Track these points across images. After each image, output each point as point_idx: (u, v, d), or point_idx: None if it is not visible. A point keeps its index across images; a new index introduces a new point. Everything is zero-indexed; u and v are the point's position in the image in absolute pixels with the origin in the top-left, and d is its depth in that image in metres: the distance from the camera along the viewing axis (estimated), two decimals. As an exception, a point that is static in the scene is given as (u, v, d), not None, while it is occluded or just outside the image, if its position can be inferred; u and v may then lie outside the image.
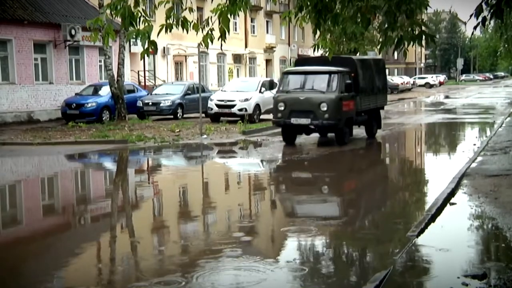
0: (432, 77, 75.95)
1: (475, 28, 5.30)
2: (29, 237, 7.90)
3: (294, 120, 15.26)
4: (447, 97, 46.68)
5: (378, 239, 7.29)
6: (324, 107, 14.93)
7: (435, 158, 15.52)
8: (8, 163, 14.94)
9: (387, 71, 21.92)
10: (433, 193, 9.55)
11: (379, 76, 18.24)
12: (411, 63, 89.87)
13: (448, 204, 8.72)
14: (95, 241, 7.73)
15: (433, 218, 7.79)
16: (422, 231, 7.16)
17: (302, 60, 17.78)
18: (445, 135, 20.96)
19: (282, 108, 15.38)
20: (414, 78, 68.90)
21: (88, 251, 7.24)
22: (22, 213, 9.63)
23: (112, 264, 6.64)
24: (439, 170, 12.40)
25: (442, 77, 78.94)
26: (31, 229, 8.48)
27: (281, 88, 16.05)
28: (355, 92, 15.93)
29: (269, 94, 23.19)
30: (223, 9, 4.93)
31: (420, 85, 67.29)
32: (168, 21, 4.78)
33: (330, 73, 15.56)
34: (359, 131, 18.04)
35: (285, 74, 16.81)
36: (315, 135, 16.98)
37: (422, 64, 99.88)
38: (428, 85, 69.34)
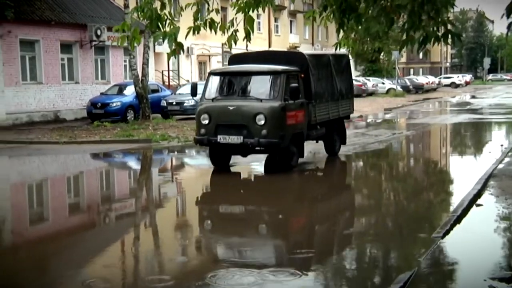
0: (458, 76, 74.93)
1: (508, 27, 5.20)
2: (55, 235, 8.03)
3: (221, 138, 11.22)
4: (473, 97, 46.04)
5: (403, 240, 7.23)
6: (261, 120, 10.94)
7: (461, 159, 15.32)
8: (35, 161, 15.18)
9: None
10: (459, 194, 9.44)
11: (341, 76, 13.86)
12: (437, 63, 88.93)
13: (474, 206, 8.62)
14: (119, 239, 7.82)
15: (458, 220, 7.71)
16: (447, 232, 7.09)
17: (237, 57, 13.18)
18: (471, 136, 20.67)
19: (206, 122, 11.38)
20: (440, 78, 68.07)
21: (112, 248, 7.33)
22: (49, 211, 9.79)
23: (136, 262, 6.71)
24: (465, 171, 12.24)
25: (468, 77, 77.83)
26: (57, 227, 8.61)
27: (205, 95, 11.83)
28: (306, 98, 11.96)
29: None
30: (242, 5, 4.94)
31: (445, 85, 66.45)
32: (195, 23, 4.82)
33: (270, 73, 11.56)
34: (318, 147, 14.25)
35: (210, 75, 12.42)
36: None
37: (447, 64, 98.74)
38: (454, 85, 68.45)
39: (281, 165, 11.51)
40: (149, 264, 6.52)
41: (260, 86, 11.56)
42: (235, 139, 11.14)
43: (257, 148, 11.34)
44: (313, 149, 14.34)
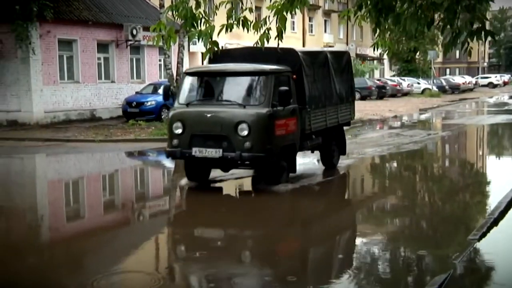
0: (495, 76, 73.34)
1: None
2: (90, 231, 8.17)
3: (197, 151, 9.46)
4: (511, 97, 45.03)
5: (438, 242, 7.13)
6: (244, 130, 9.18)
7: (498, 161, 15.01)
8: (72, 159, 15.48)
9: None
10: (496, 196, 9.25)
11: (341, 77, 11.97)
12: (474, 63, 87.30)
13: (512, 208, 8.44)
14: (153, 236, 7.91)
15: (495, 222, 7.56)
16: (484, 235, 6.96)
17: (221, 53, 11.05)
18: (508, 137, 20.23)
19: (179, 131, 9.61)
20: (477, 78, 66.79)
21: (146, 246, 7.42)
22: (85, 208, 9.97)
23: (169, 259, 6.78)
24: (502, 173, 12.00)
25: (506, 77, 76.10)
26: (92, 224, 8.76)
27: (179, 99, 10.08)
28: (298, 103, 10.15)
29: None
30: (279, 6, 4.95)
31: (482, 85, 65.12)
32: (229, 21, 4.85)
33: (255, 74, 9.83)
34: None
35: (186, 75, 10.62)
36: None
37: (485, 64, 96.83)
38: (492, 85, 67.04)
39: (267, 180, 9.87)
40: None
41: (243, 89, 9.84)
42: (213, 152, 9.37)
43: (239, 162, 9.64)
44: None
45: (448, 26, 5.28)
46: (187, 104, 9.87)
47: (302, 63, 10.41)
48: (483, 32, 5.13)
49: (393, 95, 41.87)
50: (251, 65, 9.96)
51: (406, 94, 43.96)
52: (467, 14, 5.18)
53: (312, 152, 12.00)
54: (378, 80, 43.29)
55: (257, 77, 9.81)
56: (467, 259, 6.18)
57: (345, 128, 12.53)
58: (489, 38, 5.22)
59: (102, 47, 25.35)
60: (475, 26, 5.10)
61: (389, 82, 42.95)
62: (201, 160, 9.73)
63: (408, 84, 45.55)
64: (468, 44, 5.29)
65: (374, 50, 6.85)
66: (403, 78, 47.79)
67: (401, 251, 6.98)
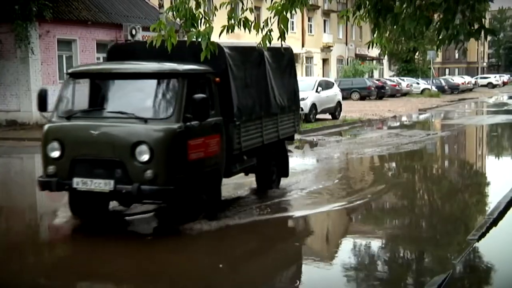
0: (495, 77, 73.43)
1: None
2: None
3: (79, 183, 6.96)
4: (511, 97, 45.07)
5: (437, 242, 7.14)
6: (144, 154, 6.76)
7: (498, 161, 15.03)
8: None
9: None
10: (495, 196, 9.26)
11: (282, 80, 9.64)
12: (473, 63, 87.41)
13: (511, 208, 8.45)
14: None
15: (495, 222, 7.57)
16: (483, 235, 6.97)
17: (121, 50, 9.13)
18: (508, 137, 20.26)
19: (57, 155, 7.14)
20: (476, 78, 66.84)
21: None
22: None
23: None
24: (501, 173, 12.02)
25: (506, 77, 76.21)
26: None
27: (58, 110, 7.57)
28: (224, 115, 7.82)
29: (326, 94, 23.16)
30: (279, 7, 4.96)
31: (482, 85, 65.20)
32: (230, 22, 4.86)
33: (160, 76, 7.32)
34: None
35: (68, 77, 7.97)
36: None
37: (484, 64, 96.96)
38: (491, 85, 67.11)
39: (182, 220, 7.36)
40: None
41: (145, 97, 7.33)
42: (102, 184, 6.84)
43: (137, 198, 7.07)
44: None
45: (447, 27, 5.29)
46: (68, 117, 7.25)
47: (228, 62, 7.96)
48: (482, 31, 5.14)
49: (392, 95, 41.91)
50: (156, 64, 7.42)
51: (405, 94, 44.03)
52: (465, 14, 5.19)
53: (246, 174, 9.48)
54: (377, 80, 43.33)
55: (163, 80, 7.23)
56: (467, 259, 6.19)
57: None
58: (489, 38, 5.22)
59: (102, 47, 25.32)
60: (473, 25, 5.11)
61: (388, 82, 43.00)
62: (88, 194, 7.13)
63: (407, 84, 45.62)
64: (463, 44, 5.30)
65: (368, 48, 6.84)
66: (402, 78, 47.87)
67: (401, 251, 7.00)
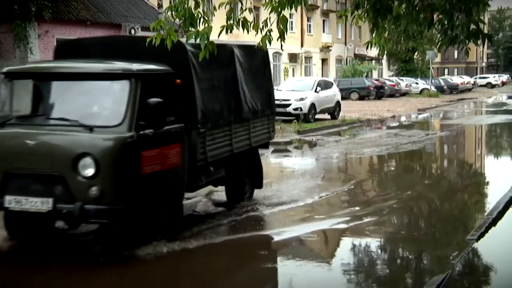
0: (494, 76, 73.49)
1: None
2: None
3: (12, 202, 6.04)
4: (510, 97, 45.10)
5: (436, 242, 7.14)
6: (88, 168, 5.87)
7: (497, 161, 15.04)
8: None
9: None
10: (494, 196, 9.27)
11: (254, 82, 8.70)
12: (472, 63, 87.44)
13: (510, 208, 8.46)
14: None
15: (494, 222, 7.58)
16: (482, 235, 6.97)
17: (70, 46, 8.03)
18: (507, 137, 20.27)
19: None
20: (475, 78, 66.90)
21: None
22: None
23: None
24: (501, 173, 12.02)
25: (505, 77, 76.29)
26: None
27: None
28: (187, 121, 6.90)
29: (325, 94, 23.16)
30: (275, 4, 4.95)
31: (481, 85, 65.25)
32: (228, 22, 4.85)
33: (110, 77, 6.39)
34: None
35: (4, 77, 6.81)
36: None
37: (483, 64, 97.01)
38: (490, 85, 67.16)
39: (138, 241, 6.46)
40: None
41: (91, 102, 6.43)
42: (38, 203, 5.90)
43: (79, 220, 6.38)
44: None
45: (449, 31, 5.30)
46: (1, 124, 6.27)
47: (191, 61, 7.00)
48: (480, 35, 5.15)
49: (392, 95, 41.93)
50: (105, 63, 6.58)
51: (404, 94, 44.06)
52: (464, 17, 5.20)
53: (215, 186, 8.62)
54: (376, 80, 43.36)
55: (113, 82, 6.31)
56: (466, 259, 6.20)
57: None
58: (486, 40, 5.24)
59: (101, 47, 25.35)
60: (472, 28, 5.12)
61: (388, 82, 43.02)
62: (25, 212, 6.07)
63: (407, 84, 45.65)
64: (464, 45, 5.31)
65: (367, 48, 6.83)
66: (401, 78, 47.90)
67: (400, 252, 7.00)
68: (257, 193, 9.07)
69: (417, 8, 5.62)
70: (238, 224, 7.67)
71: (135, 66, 6.46)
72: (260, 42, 4.97)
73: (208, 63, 6.88)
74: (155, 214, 6.47)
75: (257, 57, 8.85)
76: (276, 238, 7.35)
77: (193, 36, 4.76)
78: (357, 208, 8.80)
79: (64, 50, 7.86)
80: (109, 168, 5.85)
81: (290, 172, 12.21)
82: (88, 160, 5.80)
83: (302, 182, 10.73)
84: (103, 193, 5.81)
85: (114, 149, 5.92)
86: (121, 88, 6.23)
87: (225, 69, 7.91)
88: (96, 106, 6.43)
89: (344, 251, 6.92)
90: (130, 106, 6.10)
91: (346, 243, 7.26)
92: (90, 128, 5.95)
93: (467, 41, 5.25)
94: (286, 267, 6.33)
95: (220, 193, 8.85)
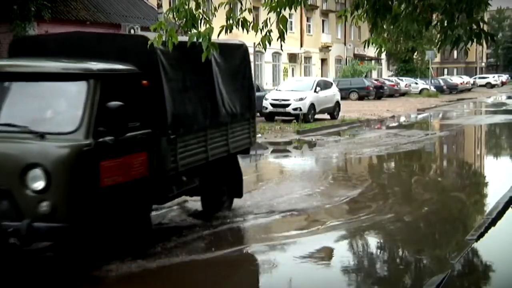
0: (493, 76, 73.54)
1: None
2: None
3: None
4: (509, 97, 45.12)
5: (436, 242, 7.15)
6: (38, 181, 5.16)
7: (496, 161, 15.05)
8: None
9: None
10: (494, 196, 9.28)
11: (233, 83, 7.98)
12: (472, 63, 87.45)
13: (510, 208, 8.47)
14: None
15: (493, 222, 7.58)
16: (481, 235, 6.98)
17: (26, 44, 7.48)
18: (507, 137, 20.29)
19: None
20: (474, 78, 66.93)
21: None
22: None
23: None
24: (500, 173, 12.03)
25: (504, 77, 76.34)
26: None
27: None
28: (156, 126, 6.28)
29: (324, 94, 23.17)
30: (274, 4, 4.96)
31: (480, 85, 65.30)
32: (228, 22, 4.86)
33: (64, 78, 5.71)
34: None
35: None
36: None
37: (483, 64, 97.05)
38: (489, 85, 67.19)
39: (101, 261, 5.79)
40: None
41: (43, 105, 5.72)
42: None
43: (27, 238, 5.27)
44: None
45: (449, 32, 5.31)
46: None
47: (160, 60, 6.35)
48: (482, 35, 5.16)
49: (391, 95, 41.95)
50: (60, 61, 5.95)
51: (404, 94, 44.09)
52: (464, 17, 5.21)
53: (191, 196, 7.96)
54: (376, 80, 43.39)
55: (70, 83, 5.63)
56: (465, 259, 6.20)
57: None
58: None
59: (100, 47, 25.34)
60: (473, 28, 5.13)
61: (387, 82, 43.05)
62: None
63: (406, 84, 45.68)
64: (464, 46, 5.32)
65: (364, 47, 6.83)
66: (401, 78, 47.93)
67: (399, 252, 7.00)
68: (245, 197, 8.46)
69: (417, 9, 5.63)
70: (214, 238, 6.95)
71: (95, 66, 5.82)
72: (260, 43, 4.97)
73: (180, 62, 6.60)
74: (117, 230, 5.82)
75: (236, 56, 8.16)
76: (254, 255, 6.60)
77: (195, 37, 4.77)
78: (352, 216, 8.30)
79: (19, 48, 7.10)
80: (62, 181, 5.16)
81: (287, 174, 12.21)
82: (37, 171, 5.12)
83: (296, 186, 10.19)
84: (55, 209, 5.11)
85: (68, 159, 5.20)
86: (78, 90, 5.54)
87: (200, 69, 6.97)
88: (50, 110, 5.66)
89: (344, 250, 6.92)
90: (87, 110, 5.42)
91: (344, 243, 7.27)
92: (41, 135, 5.26)
93: (470, 42, 5.26)
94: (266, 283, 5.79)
95: (195, 203, 8.13)
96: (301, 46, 45.64)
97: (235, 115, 7.91)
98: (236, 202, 8.37)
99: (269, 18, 4.92)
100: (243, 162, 13.96)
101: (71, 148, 5.23)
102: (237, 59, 8.17)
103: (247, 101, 8.35)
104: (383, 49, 6.39)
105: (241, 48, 8.35)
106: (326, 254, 6.74)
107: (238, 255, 6.51)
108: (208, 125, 7.24)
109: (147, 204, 6.38)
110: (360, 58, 52.35)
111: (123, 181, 5.70)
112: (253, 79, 10.04)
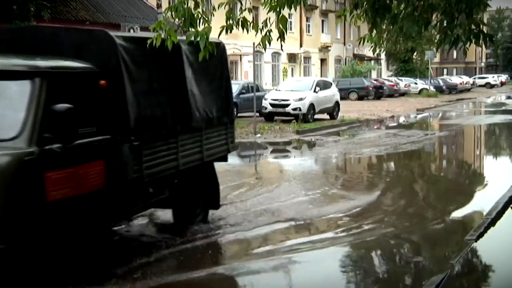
0: (493, 77, 73.59)
1: None
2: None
3: None
4: (509, 97, 45.14)
5: (435, 243, 7.15)
6: None
7: (496, 161, 15.05)
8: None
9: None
10: (493, 196, 9.27)
11: (208, 83, 7.29)
12: (471, 63, 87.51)
13: (509, 208, 8.47)
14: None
15: (493, 222, 7.58)
16: (481, 235, 6.98)
17: None
18: (506, 137, 20.29)
19: None
20: (474, 78, 66.96)
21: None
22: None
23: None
24: (500, 173, 12.03)
25: (504, 77, 76.40)
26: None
27: None
28: (115, 132, 5.53)
29: (324, 94, 23.17)
30: (274, 3, 4.95)
31: (480, 85, 65.34)
32: (228, 22, 4.86)
33: (8, 76, 4.82)
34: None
35: None
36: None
37: (482, 64, 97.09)
38: (489, 85, 67.23)
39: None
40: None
41: None
42: None
43: None
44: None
45: (448, 32, 5.31)
46: None
47: (122, 57, 5.70)
48: (481, 35, 5.16)
49: (391, 95, 41.97)
50: (2, 58, 5.16)
51: (403, 94, 44.12)
52: (464, 18, 5.21)
53: (161, 208, 7.38)
54: (375, 80, 43.41)
55: (11, 82, 4.87)
56: (465, 259, 6.20)
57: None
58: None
59: (100, 47, 25.33)
60: (472, 28, 5.14)
61: (387, 82, 43.07)
62: None
63: (406, 84, 45.71)
64: (464, 45, 5.32)
65: (359, 44, 6.82)
66: (400, 78, 47.94)
67: (399, 252, 7.00)
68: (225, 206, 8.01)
69: (417, 9, 5.63)
70: (184, 256, 6.23)
71: (42, 63, 5.10)
72: (260, 43, 4.98)
73: (146, 60, 5.96)
74: (70, 251, 5.20)
75: (212, 55, 6.14)
76: (230, 275, 5.90)
77: (193, 36, 4.77)
78: (349, 224, 7.92)
79: None
80: None
81: (284, 175, 12.21)
82: None
83: (289, 190, 9.88)
84: None
85: (6, 169, 4.40)
86: (21, 90, 4.76)
87: (169, 69, 6.47)
88: None
89: (343, 250, 6.92)
90: (31, 114, 4.65)
91: (343, 243, 7.27)
92: None
93: (469, 42, 5.26)
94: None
95: (166, 214, 7.46)
96: (301, 46, 45.66)
97: (210, 119, 7.20)
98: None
99: (269, 18, 4.92)
100: (242, 162, 14.02)
101: (11, 156, 4.44)
102: (213, 58, 6.46)
103: (224, 104, 7.59)
104: (377, 48, 6.32)
105: (219, 47, 7.13)
106: (318, 260, 6.41)
107: (211, 276, 5.71)
108: (179, 130, 6.55)
109: (106, 220, 5.68)
110: (360, 58, 52.37)
111: (75, 194, 4.94)
112: (253, 79, 9.60)
